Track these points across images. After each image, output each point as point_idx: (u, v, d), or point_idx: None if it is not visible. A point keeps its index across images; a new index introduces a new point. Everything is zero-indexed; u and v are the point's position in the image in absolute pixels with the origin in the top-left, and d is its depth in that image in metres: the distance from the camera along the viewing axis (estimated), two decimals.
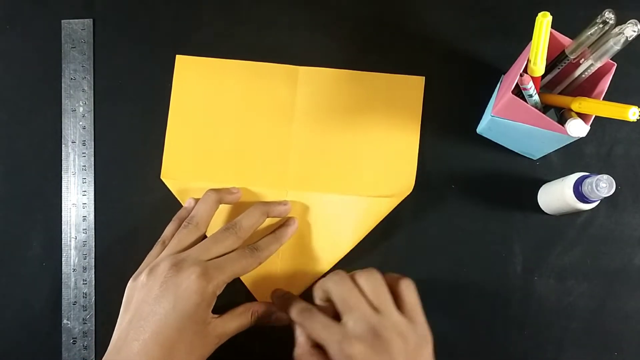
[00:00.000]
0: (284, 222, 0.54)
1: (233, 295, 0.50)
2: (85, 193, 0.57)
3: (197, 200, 0.53)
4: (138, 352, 0.42)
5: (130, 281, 0.48)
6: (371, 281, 0.44)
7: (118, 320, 0.46)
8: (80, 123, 0.58)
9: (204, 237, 0.50)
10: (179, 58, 0.58)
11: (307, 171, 0.55)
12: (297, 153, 0.56)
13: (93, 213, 0.57)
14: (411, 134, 0.56)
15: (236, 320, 0.47)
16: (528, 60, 0.46)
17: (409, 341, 0.42)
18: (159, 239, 0.52)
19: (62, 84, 0.59)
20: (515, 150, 0.57)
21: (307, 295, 0.50)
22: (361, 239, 0.53)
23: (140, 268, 0.49)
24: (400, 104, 0.56)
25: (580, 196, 0.48)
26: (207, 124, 0.56)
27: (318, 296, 0.47)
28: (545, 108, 0.51)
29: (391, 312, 0.43)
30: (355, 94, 0.56)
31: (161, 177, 0.56)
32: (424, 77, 0.57)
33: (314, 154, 0.55)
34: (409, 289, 0.45)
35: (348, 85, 0.57)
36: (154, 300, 0.44)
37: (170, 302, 0.43)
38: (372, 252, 0.55)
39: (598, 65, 0.47)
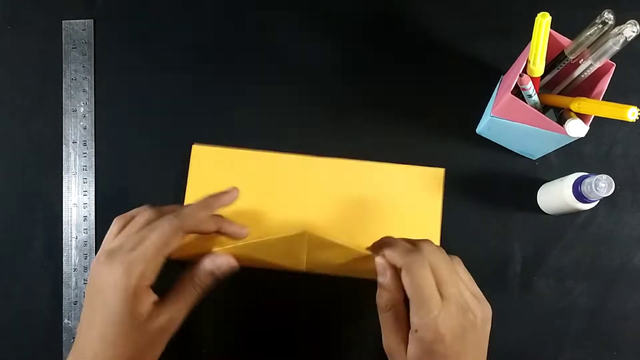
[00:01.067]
0: (224, 190, 0.50)
1: None
2: (86, 193, 0.57)
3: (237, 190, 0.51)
4: (81, 344, 0.42)
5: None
6: (447, 262, 0.44)
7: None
8: (81, 123, 0.58)
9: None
10: (195, 148, 0.56)
11: (322, 262, 0.52)
12: (312, 246, 0.52)
13: (94, 213, 0.57)
14: (432, 227, 0.54)
15: (177, 303, 0.44)
16: (527, 61, 0.46)
17: (477, 315, 0.42)
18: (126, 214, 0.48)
19: (63, 84, 0.59)
20: (515, 151, 0.57)
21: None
22: None
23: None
24: (420, 197, 0.55)
25: (580, 196, 0.48)
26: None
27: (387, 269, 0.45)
28: (544, 108, 0.51)
29: (464, 289, 0.43)
30: (373, 186, 0.55)
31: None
32: (444, 169, 0.56)
33: (329, 249, 0.52)
34: (462, 267, 0.45)
35: (365, 177, 0.55)
36: (92, 294, 0.43)
37: (99, 299, 0.42)
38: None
39: (597, 65, 0.47)
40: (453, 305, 0.41)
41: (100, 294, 0.42)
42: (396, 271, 0.44)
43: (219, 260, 0.47)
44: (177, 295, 0.45)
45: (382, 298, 0.44)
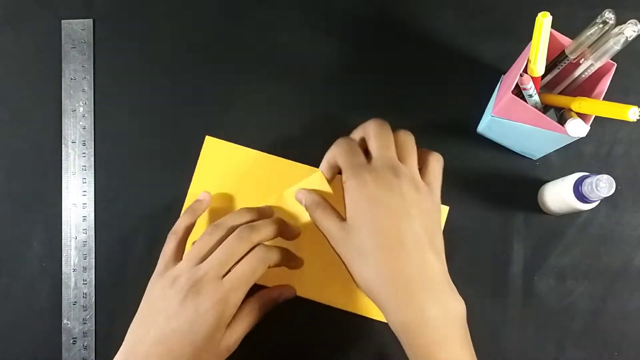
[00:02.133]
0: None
1: None
2: (86, 193, 0.57)
3: (209, 194, 0.54)
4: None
5: (154, 276, 0.48)
6: (399, 136, 0.47)
7: (137, 313, 0.47)
8: (81, 123, 0.58)
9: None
10: (208, 139, 0.56)
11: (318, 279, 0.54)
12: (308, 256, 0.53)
13: (93, 213, 0.57)
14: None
15: (245, 324, 0.47)
16: (528, 60, 0.46)
17: (423, 199, 0.43)
18: (172, 230, 0.50)
19: (62, 84, 0.59)
20: (515, 150, 0.57)
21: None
22: None
23: (160, 265, 0.48)
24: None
25: (580, 196, 0.48)
26: (224, 208, 0.55)
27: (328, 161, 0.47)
28: (545, 108, 0.51)
29: (413, 166, 0.45)
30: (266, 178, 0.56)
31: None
32: (447, 207, 0.55)
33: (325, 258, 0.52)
34: (437, 162, 0.46)
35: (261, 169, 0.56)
36: (172, 315, 0.44)
37: (187, 324, 0.43)
38: None
39: (598, 65, 0.47)
40: (378, 160, 0.44)
41: (190, 321, 0.43)
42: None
43: (287, 294, 0.51)
44: (246, 317, 0.47)
45: (308, 204, 0.47)
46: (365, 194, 0.42)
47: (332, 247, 0.45)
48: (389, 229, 0.42)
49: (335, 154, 0.46)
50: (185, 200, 0.56)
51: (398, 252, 0.41)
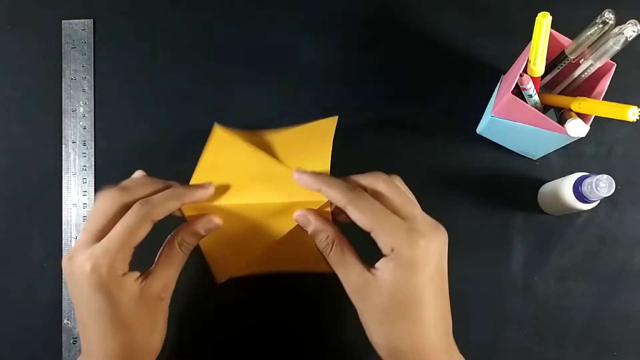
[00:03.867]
0: (198, 185, 0.46)
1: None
2: (86, 193, 0.57)
3: (146, 175, 0.48)
4: (94, 348, 0.42)
5: None
6: (394, 188, 0.43)
7: None
8: (81, 123, 0.58)
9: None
10: (217, 127, 0.51)
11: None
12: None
13: None
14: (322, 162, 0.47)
15: (167, 268, 0.43)
16: (528, 61, 0.46)
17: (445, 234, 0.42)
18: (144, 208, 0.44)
19: (63, 84, 0.59)
20: (515, 150, 0.57)
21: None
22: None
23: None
24: (313, 142, 0.49)
25: (580, 196, 0.48)
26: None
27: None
28: (545, 108, 0.51)
29: (420, 212, 0.42)
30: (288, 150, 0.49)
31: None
32: (336, 117, 0.49)
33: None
34: (405, 186, 0.44)
35: (287, 144, 0.50)
36: (74, 295, 0.42)
37: (84, 300, 0.41)
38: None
39: (598, 65, 0.47)
40: (420, 220, 0.41)
41: (80, 293, 0.41)
42: (322, 214, 0.44)
43: (209, 226, 0.46)
44: (165, 260, 0.44)
45: (321, 240, 0.43)
46: (418, 267, 0.39)
47: (345, 289, 0.42)
48: (441, 306, 0.41)
49: (369, 213, 0.41)
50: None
51: (430, 330, 0.41)
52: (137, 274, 0.42)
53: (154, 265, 0.44)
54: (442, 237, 0.41)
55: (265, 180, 0.48)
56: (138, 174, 0.48)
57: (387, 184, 0.43)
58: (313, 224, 0.44)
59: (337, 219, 0.46)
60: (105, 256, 0.40)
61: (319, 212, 0.44)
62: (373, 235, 0.41)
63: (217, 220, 0.46)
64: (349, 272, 0.42)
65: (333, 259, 0.43)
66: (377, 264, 0.41)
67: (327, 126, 0.48)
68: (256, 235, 0.48)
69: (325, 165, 0.45)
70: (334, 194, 0.42)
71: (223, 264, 0.50)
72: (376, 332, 0.41)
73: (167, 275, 0.44)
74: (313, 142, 0.49)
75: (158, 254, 0.45)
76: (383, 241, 0.40)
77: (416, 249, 0.39)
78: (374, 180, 0.43)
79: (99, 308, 0.41)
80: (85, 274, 0.40)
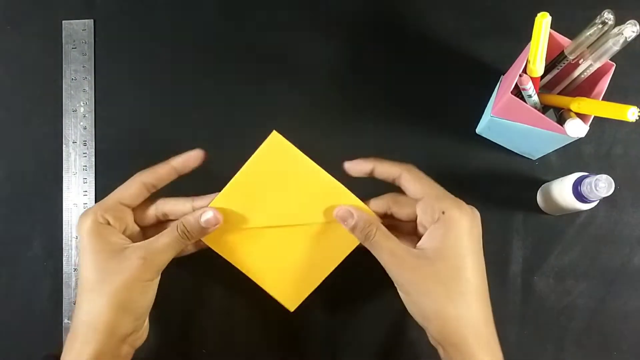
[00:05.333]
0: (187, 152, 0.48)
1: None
2: (86, 193, 0.57)
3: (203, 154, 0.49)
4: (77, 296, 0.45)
5: None
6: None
7: None
8: (81, 123, 0.58)
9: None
10: (274, 134, 0.49)
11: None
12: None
13: None
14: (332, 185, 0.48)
15: (160, 237, 0.45)
16: (527, 61, 0.46)
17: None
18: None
19: (63, 84, 0.59)
20: (515, 151, 0.57)
21: None
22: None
23: None
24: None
25: (580, 196, 0.48)
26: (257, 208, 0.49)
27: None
28: (544, 108, 0.51)
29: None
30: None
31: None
32: (274, 131, 0.49)
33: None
34: None
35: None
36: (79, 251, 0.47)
37: (80, 249, 0.46)
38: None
39: (597, 65, 0.47)
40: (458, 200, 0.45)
41: (80, 243, 0.46)
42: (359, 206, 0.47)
43: (206, 215, 0.46)
44: (161, 233, 0.46)
45: (363, 228, 0.45)
46: (466, 228, 0.43)
47: (390, 270, 0.44)
48: (478, 268, 0.44)
49: (427, 181, 0.46)
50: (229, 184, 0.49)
51: (481, 295, 0.44)
52: (124, 237, 0.46)
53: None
54: (472, 211, 0.45)
55: (313, 195, 0.48)
56: None
57: (418, 170, 0.47)
58: (355, 216, 0.46)
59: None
60: (97, 207, 0.46)
61: (356, 205, 0.47)
62: (422, 203, 0.45)
63: (219, 216, 0.47)
64: (394, 249, 0.44)
65: (375, 242, 0.45)
66: (424, 237, 0.44)
67: (277, 147, 0.48)
68: (309, 254, 0.49)
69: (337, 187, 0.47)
70: (388, 167, 0.47)
71: (288, 290, 0.50)
72: (426, 302, 0.43)
73: (153, 241, 0.45)
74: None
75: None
76: (434, 206, 0.44)
77: (465, 212, 0.44)
78: (405, 166, 0.47)
79: (88, 249, 0.44)
80: (80, 223, 0.46)
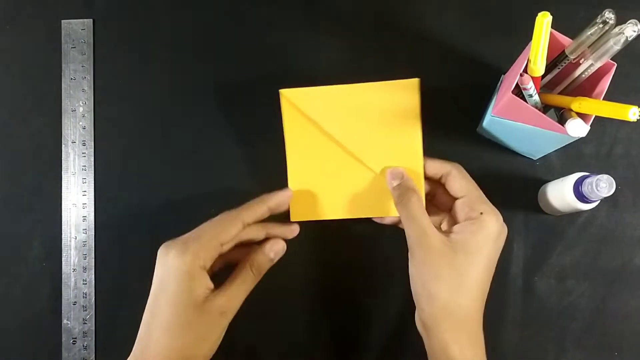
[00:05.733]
0: (279, 190, 0.51)
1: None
2: (85, 193, 0.57)
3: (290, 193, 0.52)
4: (145, 333, 0.44)
5: None
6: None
7: None
8: (80, 123, 0.58)
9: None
10: (282, 92, 0.53)
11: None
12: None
13: (93, 213, 0.57)
14: (413, 136, 0.53)
15: (235, 284, 0.45)
16: (528, 60, 0.46)
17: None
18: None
19: (62, 84, 0.59)
20: (516, 150, 0.56)
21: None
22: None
23: None
24: (397, 110, 0.53)
25: (581, 196, 0.48)
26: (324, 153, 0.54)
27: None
28: (545, 108, 0.51)
29: None
30: (367, 108, 0.53)
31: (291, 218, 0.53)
32: (418, 79, 0.52)
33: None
34: None
35: (363, 100, 0.53)
36: (154, 284, 0.44)
37: (158, 284, 0.44)
38: (373, 249, 0.55)
39: (598, 65, 0.47)
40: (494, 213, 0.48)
41: (160, 281, 0.44)
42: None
43: (277, 247, 0.49)
44: (236, 278, 0.46)
45: (406, 191, 0.48)
46: (495, 235, 0.46)
47: (413, 244, 0.46)
48: (489, 273, 0.47)
49: (473, 184, 0.49)
50: (287, 159, 0.53)
51: (482, 295, 0.46)
52: (210, 282, 0.44)
53: (223, 284, 0.45)
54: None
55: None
56: None
57: (464, 170, 0.50)
58: (404, 177, 0.50)
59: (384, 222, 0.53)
60: (194, 243, 0.44)
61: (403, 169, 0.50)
62: (463, 200, 0.48)
63: (283, 244, 0.50)
64: (425, 226, 0.46)
65: (410, 210, 0.47)
66: (456, 227, 0.47)
67: (409, 90, 0.51)
68: (344, 185, 0.53)
69: (417, 144, 0.51)
70: (439, 164, 0.50)
71: (303, 203, 0.53)
72: (436, 285, 0.45)
73: (233, 292, 0.45)
74: (398, 117, 0.52)
75: (231, 274, 0.46)
76: (474, 205, 0.47)
77: (499, 222, 0.47)
78: (456, 165, 0.50)
79: (171, 293, 0.43)
80: (174, 258, 0.43)
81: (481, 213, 0.46)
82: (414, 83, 0.51)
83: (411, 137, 0.52)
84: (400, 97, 0.52)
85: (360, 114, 0.53)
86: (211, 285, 0.44)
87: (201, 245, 0.44)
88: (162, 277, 0.44)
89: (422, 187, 0.51)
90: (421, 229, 0.46)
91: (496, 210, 0.47)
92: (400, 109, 0.52)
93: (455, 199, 0.49)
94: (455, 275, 0.44)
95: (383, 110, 0.52)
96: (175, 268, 0.43)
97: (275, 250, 0.49)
